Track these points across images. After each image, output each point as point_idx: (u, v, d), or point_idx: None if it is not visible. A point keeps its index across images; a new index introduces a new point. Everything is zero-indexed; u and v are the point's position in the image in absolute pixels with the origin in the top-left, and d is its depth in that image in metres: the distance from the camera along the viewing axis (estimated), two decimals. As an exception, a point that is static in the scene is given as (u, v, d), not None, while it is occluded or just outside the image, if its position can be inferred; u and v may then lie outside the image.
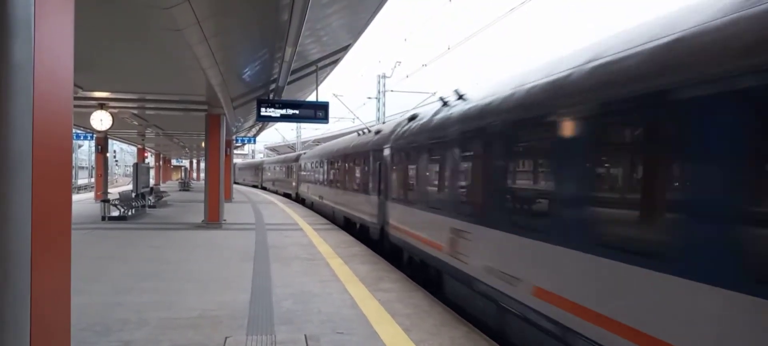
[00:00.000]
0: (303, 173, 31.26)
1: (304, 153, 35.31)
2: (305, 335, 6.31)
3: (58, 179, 3.25)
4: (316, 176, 25.90)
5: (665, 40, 4.23)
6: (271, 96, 18.12)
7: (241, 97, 19.08)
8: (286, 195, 38.11)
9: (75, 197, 33.56)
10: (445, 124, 8.76)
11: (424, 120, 10.19)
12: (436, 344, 6.10)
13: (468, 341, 6.25)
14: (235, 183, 48.16)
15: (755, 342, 3.27)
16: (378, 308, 7.63)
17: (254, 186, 57.48)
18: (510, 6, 13.01)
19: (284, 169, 41.67)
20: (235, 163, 48.70)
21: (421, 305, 7.85)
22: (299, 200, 32.23)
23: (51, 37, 3.02)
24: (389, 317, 7.17)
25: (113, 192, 25.36)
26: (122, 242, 13.88)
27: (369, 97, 37.54)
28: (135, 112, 20.75)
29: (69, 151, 3.45)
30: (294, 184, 34.98)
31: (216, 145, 18.46)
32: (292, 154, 41.78)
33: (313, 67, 16.40)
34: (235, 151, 48.92)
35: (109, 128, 17.75)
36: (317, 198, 25.15)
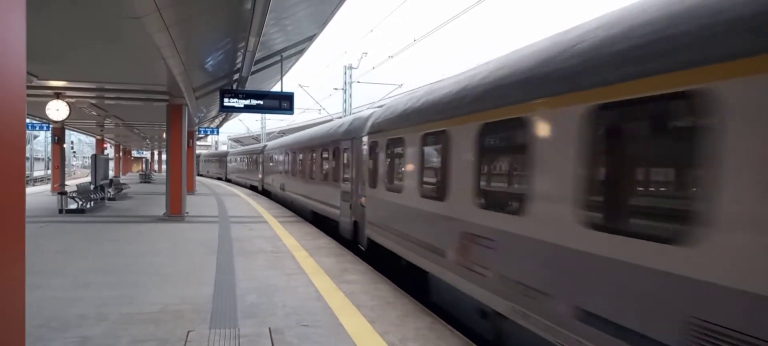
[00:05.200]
0: (230, 164, 51.29)
1: (229, 152, 56.98)
2: (269, 328, 6.27)
3: (10, 171, 3.14)
4: (236, 165, 46.81)
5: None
6: (234, 86, 17.87)
7: (204, 87, 18.77)
8: (219, 178, 54.78)
9: (31, 190, 32.57)
10: (275, 147, 28.75)
11: (272, 144, 30.74)
12: (399, 335, 6.15)
13: (431, 331, 6.31)
14: None
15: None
16: (343, 299, 7.63)
17: None
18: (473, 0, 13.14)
19: (217, 161, 60.50)
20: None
21: (385, 296, 7.89)
22: (227, 179, 50.16)
23: (1, 22, 2.90)
24: (354, 309, 7.19)
25: (71, 184, 24.68)
26: (80, 235, 13.51)
27: (335, 89, 37.36)
28: (93, 102, 20.16)
29: (22, 141, 3.33)
30: (224, 171, 53.98)
31: (178, 136, 18.11)
32: (222, 151, 65.02)
33: (278, 57, 16.26)
34: (198, 143, 48.46)
35: (66, 118, 17.19)
36: (235, 177, 46.09)
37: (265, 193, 31.36)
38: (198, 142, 47.39)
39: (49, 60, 12.32)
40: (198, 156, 72.05)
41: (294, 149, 22.20)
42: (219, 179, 55.00)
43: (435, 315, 7.05)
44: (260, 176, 33.79)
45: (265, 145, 34.10)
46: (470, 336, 6.53)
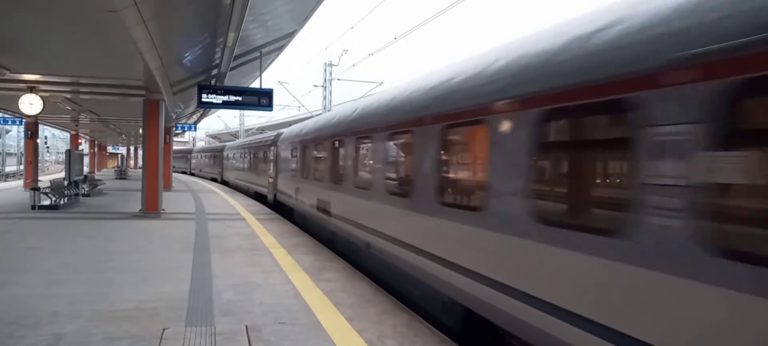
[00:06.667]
0: (227, 161, 47.89)
1: (227, 144, 53.24)
2: (246, 326, 6.24)
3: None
4: (236, 162, 42.30)
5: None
6: (213, 82, 17.71)
7: (182, 83, 18.55)
8: (213, 179, 49.97)
9: (2, 185, 31.95)
10: (301, 133, 16.88)
11: (292, 130, 19.81)
12: (377, 332, 6.16)
13: (409, 328, 6.34)
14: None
15: None
16: (321, 297, 7.62)
17: None
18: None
19: (211, 158, 56.86)
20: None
21: (364, 293, 7.90)
22: (223, 182, 46.03)
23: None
24: (332, 306, 7.19)
25: (44, 180, 24.26)
26: (54, 231, 13.27)
27: (315, 86, 37.23)
28: (68, 96, 19.79)
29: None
30: (219, 170, 50.71)
31: (154, 131, 17.87)
32: (219, 145, 59.39)
33: (257, 53, 16.14)
34: (175, 139, 48.10)
35: (40, 113, 16.87)
36: (234, 178, 41.02)
37: (278, 207, 20.37)
38: (175, 139, 47.02)
39: (22, 53, 12.06)
40: (189, 152, 70.30)
41: (360, 133, 10.35)
42: (213, 179, 46.61)
43: (412, 312, 7.09)
44: (271, 179, 22.49)
45: (280, 133, 21.96)
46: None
